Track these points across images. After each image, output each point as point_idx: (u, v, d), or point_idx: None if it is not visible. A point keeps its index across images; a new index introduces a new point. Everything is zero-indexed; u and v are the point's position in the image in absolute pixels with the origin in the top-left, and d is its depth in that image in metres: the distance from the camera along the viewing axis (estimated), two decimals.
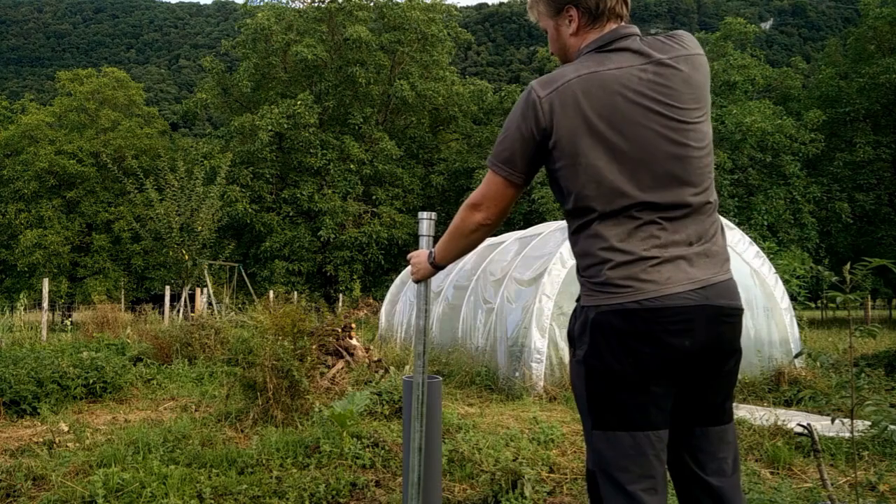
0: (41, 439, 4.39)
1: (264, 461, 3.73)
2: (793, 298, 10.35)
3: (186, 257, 14.51)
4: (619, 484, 1.58)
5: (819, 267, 2.31)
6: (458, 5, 33.17)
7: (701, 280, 1.59)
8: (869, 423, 2.41)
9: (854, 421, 2.35)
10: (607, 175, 1.59)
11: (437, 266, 2.02)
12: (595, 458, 1.65)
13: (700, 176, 1.64)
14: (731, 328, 1.65)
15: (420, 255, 2.09)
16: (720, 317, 1.61)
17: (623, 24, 1.73)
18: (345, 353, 6.62)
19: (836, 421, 2.50)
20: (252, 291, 19.80)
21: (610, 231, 1.60)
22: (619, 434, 1.59)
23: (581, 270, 1.69)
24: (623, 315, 1.57)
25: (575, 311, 1.72)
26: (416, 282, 2.18)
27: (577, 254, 1.70)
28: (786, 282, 10.09)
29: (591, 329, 1.61)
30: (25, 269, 26.92)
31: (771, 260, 8.66)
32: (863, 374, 2.34)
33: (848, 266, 2.23)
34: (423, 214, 2.25)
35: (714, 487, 1.66)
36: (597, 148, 1.59)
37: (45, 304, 12.32)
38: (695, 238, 1.62)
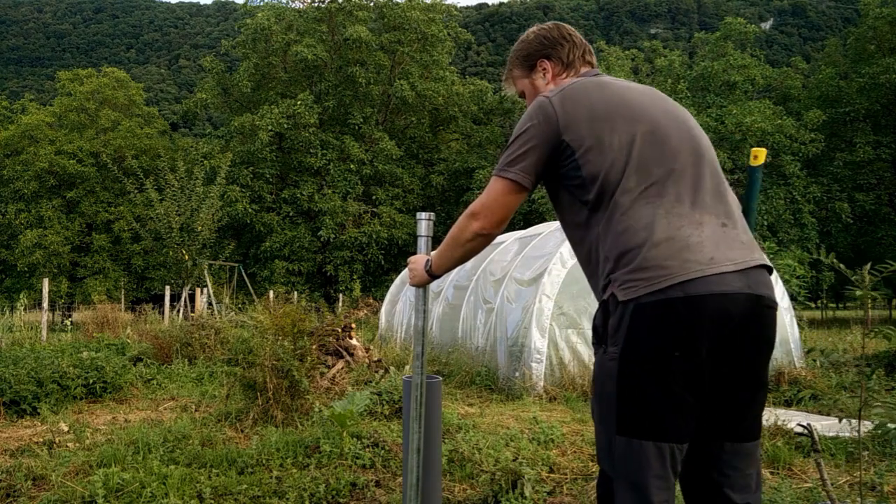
0: (41, 439, 4.39)
1: (264, 461, 3.73)
2: (793, 298, 10.35)
3: (186, 257, 14.51)
4: (641, 490, 1.51)
5: (830, 258, 2.29)
6: (458, 5, 33.21)
7: (740, 262, 1.55)
8: (870, 423, 2.41)
9: (861, 422, 2.35)
10: (636, 147, 1.60)
11: (432, 275, 1.99)
12: (614, 465, 1.56)
13: (713, 159, 1.69)
14: (771, 321, 1.60)
15: (418, 261, 2.06)
16: (761, 307, 1.56)
17: (593, 69, 1.88)
18: (345, 353, 6.62)
19: (836, 421, 2.50)
20: (252, 291, 19.80)
21: (643, 211, 1.56)
22: (644, 443, 1.51)
23: (614, 266, 1.57)
24: (667, 305, 1.48)
25: (605, 306, 1.61)
26: (414, 286, 2.17)
27: (610, 246, 1.59)
28: (786, 282, 10.09)
29: (630, 321, 1.51)
30: (25, 269, 26.92)
31: (771, 260, 8.66)
32: (874, 375, 2.33)
33: (868, 266, 2.22)
34: (422, 215, 2.25)
35: None
36: (619, 126, 1.62)
37: (45, 304, 12.32)
38: (725, 218, 1.60)
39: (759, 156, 1.94)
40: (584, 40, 1.92)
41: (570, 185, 1.67)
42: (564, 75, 1.87)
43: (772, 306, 1.60)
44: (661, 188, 1.58)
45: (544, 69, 1.89)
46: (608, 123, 1.61)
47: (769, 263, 1.64)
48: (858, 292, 2.20)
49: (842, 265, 2.34)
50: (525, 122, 1.69)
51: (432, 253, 2.00)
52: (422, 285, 2.12)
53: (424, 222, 2.25)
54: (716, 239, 1.55)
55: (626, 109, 1.64)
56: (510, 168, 1.68)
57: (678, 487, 1.66)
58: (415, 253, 2.18)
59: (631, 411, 1.53)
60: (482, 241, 1.77)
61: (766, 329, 1.59)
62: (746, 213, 1.89)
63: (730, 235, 1.58)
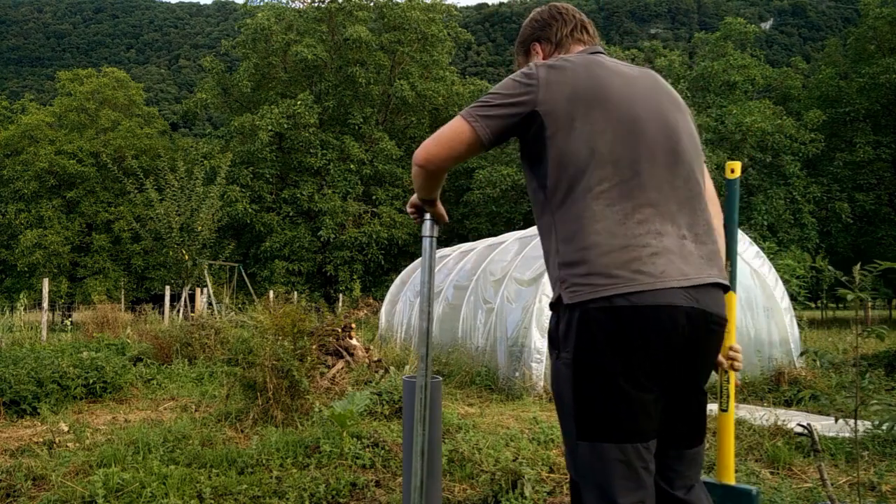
0: (41, 439, 4.39)
1: (264, 461, 3.73)
2: (793, 298, 10.36)
3: (186, 257, 14.50)
4: (609, 496, 1.48)
5: (823, 263, 2.29)
6: (458, 5, 33.21)
7: (693, 278, 1.51)
8: (870, 423, 2.41)
9: (858, 421, 2.35)
10: (605, 141, 1.53)
11: (423, 199, 1.89)
12: (579, 469, 1.54)
13: (693, 163, 1.64)
14: (716, 338, 1.59)
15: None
16: (708, 324, 1.53)
17: (589, 47, 1.82)
18: (345, 353, 6.62)
19: (838, 421, 2.50)
20: (252, 291, 19.79)
21: (602, 212, 1.50)
22: (605, 446, 1.48)
23: (563, 263, 1.55)
24: (611, 312, 1.46)
25: (556, 310, 1.59)
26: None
27: (561, 239, 1.55)
28: (786, 282, 10.09)
29: (577, 328, 1.49)
30: (25, 269, 26.90)
31: (771, 260, 8.66)
32: (867, 374, 2.33)
33: (858, 266, 2.22)
34: (426, 215, 2.24)
35: (682, 500, 1.63)
36: (593, 115, 1.55)
37: (45, 304, 12.32)
38: (687, 229, 1.56)
39: (736, 169, 1.92)
40: (579, 16, 1.85)
41: (533, 163, 1.63)
42: (555, 56, 1.79)
43: (720, 324, 1.58)
44: (625, 190, 1.52)
45: (536, 52, 1.86)
46: (584, 109, 1.55)
47: (725, 282, 1.62)
48: (850, 295, 2.20)
49: (831, 267, 2.33)
50: (507, 82, 1.63)
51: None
52: (419, 209, 2.00)
53: (428, 222, 2.23)
54: (672, 251, 1.51)
55: (607, 98, 1.56)
56: (478, 117, 1.60)
57: None
58: (415, 255, 2.17)
59: (589, 415, 1.51)
60: (418, 171, 1.67)
61: (710, 346, 1.58)
62: (727, 230, 1.87)
63: (688, 248, 1.54)
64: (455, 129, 1.61)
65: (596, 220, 1.50)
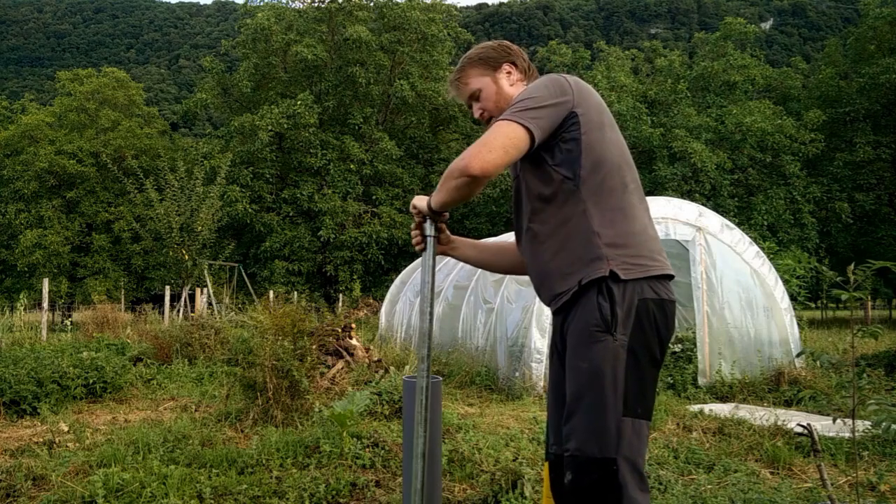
0: (41, 439, 4.39)
1: (264, 461, 3.73)
2: (793, 298, 10.35)
3: (186, 257, 14.50)
4: (638, 469, 1.66)
5: (819, 265, 2.31)
6: (458, 5, 33.17)
7: None
8: (869, 423, 2.41)
9: (855, 421, 2.35)
10: (625, 150, 1.80)
11: (433, 210, 1.90)
12: (621, 446, 1.65)
13: None
14: None
15: (421, 199, 1.96)
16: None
17: None
18: (345, 353, 6.61)
19: (836, 421, 2.50)
20: (252, 291, 19.79)
21: (637, 205, 1.77)
22: (642, 422, 1.68)
23: (609, 244, 1.70)
24: (663, 306, 1.72)
25: (602, 285, 1.68)
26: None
27: (601, 224, 1.71)
28: (786, 282, 10.09)
29: (636, 315, 1.68)
30: (25, 269, 26.87)
31: (771, 260, 8.66)
32: (864, 374, 2.33)
33: (852, 266, 2.23)
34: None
35: None
36: (615, 128, 1.81)
37: (45, 304, 12.32)
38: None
39: None
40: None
41: (560, 157, 1.75)
42: (525, 81, 2.01)
43: None
44: (639, 193, 1.81)
45: (509, 72, 2.00)
46: (608, 120, 1.79)
47: None
48: (844, 295, 2.21)
49: (824, 268, 2.36)
50: (540, 88, 1.74)
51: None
52: (424, 215, 1.98)
53: (429, 221, 2.22)
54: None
55: (613, 119, 1.83)
56: (529, 119, 1.66)
57: None
58: (416, 255, 2.17)
59: (636, 394, 1.68)
60: (467, 182, 1.67)
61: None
62: None
63: None
64: (508, 134, 1.66)
65: (636, 211, 1.76)
